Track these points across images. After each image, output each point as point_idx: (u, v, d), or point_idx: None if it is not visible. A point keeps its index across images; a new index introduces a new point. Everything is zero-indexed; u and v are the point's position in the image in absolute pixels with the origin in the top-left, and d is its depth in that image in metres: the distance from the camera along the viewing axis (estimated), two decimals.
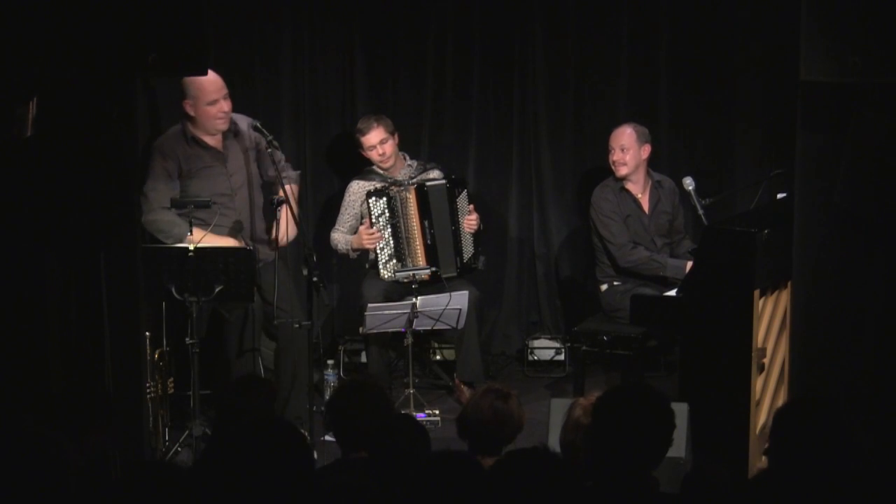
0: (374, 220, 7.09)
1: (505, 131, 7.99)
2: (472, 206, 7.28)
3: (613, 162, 7.10)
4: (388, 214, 7.10)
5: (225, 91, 6.52)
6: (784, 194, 6.36)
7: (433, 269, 7.05)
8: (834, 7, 4.83)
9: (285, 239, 6.59)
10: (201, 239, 6.04)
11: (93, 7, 4.61)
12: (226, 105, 6.51)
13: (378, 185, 7.16)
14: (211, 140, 6.55)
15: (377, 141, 7.14)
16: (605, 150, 7.84)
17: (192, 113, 6.50)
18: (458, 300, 6.76)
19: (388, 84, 7.88)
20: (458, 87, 7.91)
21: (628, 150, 7.05)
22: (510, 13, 7.84)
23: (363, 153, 7.24)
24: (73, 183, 4.83)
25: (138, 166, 5.27)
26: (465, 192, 7.27)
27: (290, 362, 6.56)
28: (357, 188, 7.25)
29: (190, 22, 4.71)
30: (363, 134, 7.17)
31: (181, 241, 6.15)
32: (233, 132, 6.61)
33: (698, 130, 7.83)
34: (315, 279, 6.12)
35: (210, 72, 6.55)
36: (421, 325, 6.76)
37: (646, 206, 7.14)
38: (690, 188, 7.00)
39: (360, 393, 4.41)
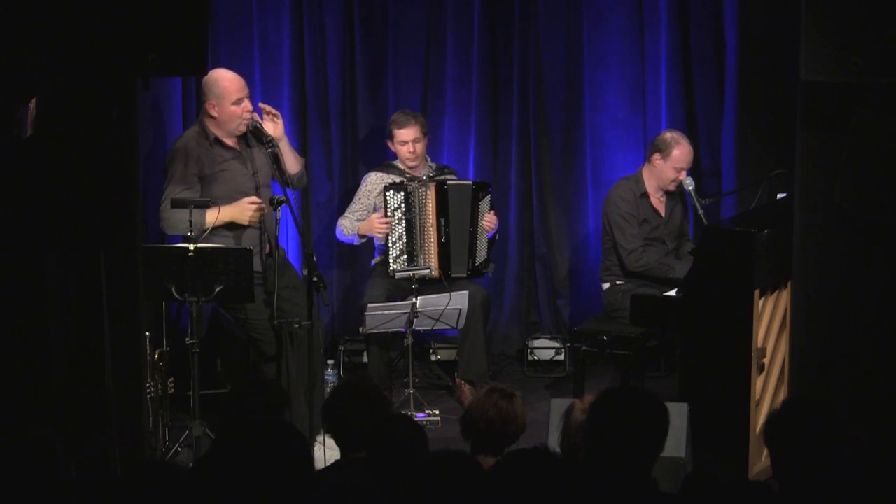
0: (389, 214, 7.07)
1: (505, 131, 7.98)
2: (492, 211, 7.27)
3: (674, 180, 7.04)
4: (404, 208, 7.09)
5: (247, 90, 6.55)
6: (784, 194, 6.36)
7: (437, 269, 7.04)
8: (834, 7, 4.83)
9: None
10: (217, 216, 6.33)
11: (93, 7, 4.61)
12: (249, 104, 6.53)
13: (396, 180, 7.16)
14: (230, 140, 6.56)
15: (411, 138, 7.14)
16: (606, 149, 7.88)
17: (215, 114, 6.49)
18: (458, 300, 6.76)
19: (388, 84, 7.88)
20: (457, 86, 7.90)
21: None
22: (510, 11, 7.84)
23: (390, 145, 7.23)
24: (73, 183, 4.83)
25: (139, 166, 5.27)
26: (488, 197, 7.24)
27: (303, 363, 6.53)
28: (375, 179, 7.24)
29: (190, 22, 4.71)
30: (399, 127, 7.16)
31: (200, 226, 6.25)
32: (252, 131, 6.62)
33: (699, 130, 7.83)
34: (315, 279, 6.12)
35: (230, 72, 6.60)
36: (421, 325, 6.76)
37: (662, 210, 7.13)
38: (690, 188, 7.00)
39: (356, 394, 4.40)
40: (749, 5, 7.45)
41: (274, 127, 6.64)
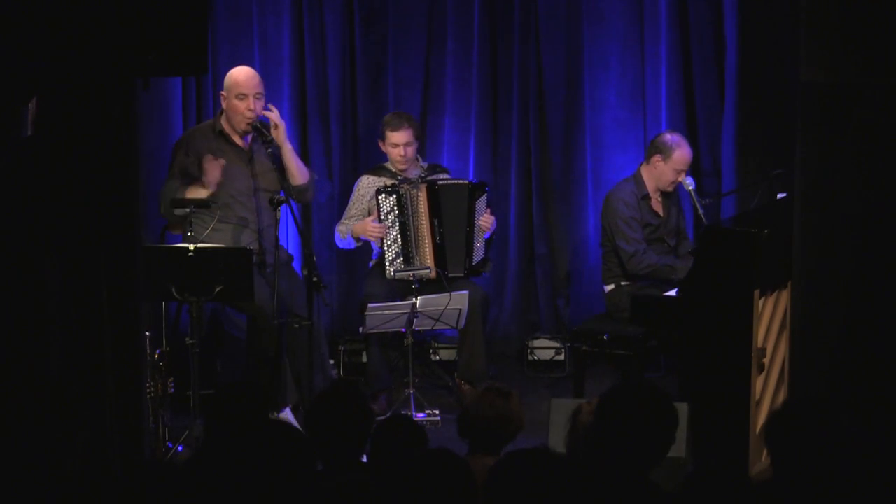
0: (382, 217, 7.06)
1: (505, 131, 7.99)
2: (489, 210, 7.26)
3: (674, 181, 7.02)
4: (397, 211, 7.07)
5: (258, 91, 6.57)
6: (784, 194, 6.36)
7: (437, 269, 7.03)
8: (834, 7, 4.83)
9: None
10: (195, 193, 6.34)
11: (93, 7, 4.61)
12: (251, 104, 6.53)
13: (388, 182, 7.15)
14: (237, 138, 6.61)
15: (403, 141, 7.10)
16: (606, 149, 7.88)
17: (224, 105, 6.61)
18: (459, 300, 6.75)
19: (388, 84, 7.88)
20: (457, 86, 7.91)
21: None
22: (509, 12, 7.84)
23: (381, 145, 7.20)
24: (74, 183, 4.83)
25: (139, 166, 5.27)
26: (484, 196, 7.21)
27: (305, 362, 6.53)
28: (367, 183, 7.22)
29: (190, 22, 4.71)
30: (392, 129, 7.10)
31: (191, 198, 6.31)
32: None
33: (699, 130, 7.83)
34: (315, 279, 6.13)
35: (249, 69, 6.67)
36: (421, 325, 6.76)
37: (661, 210, 7.13)
38: (690, 188, 6.99)
39: (338, 401, 4.32)
40: (749, 5, 7.45)
41: (276, 134, 6.63)
